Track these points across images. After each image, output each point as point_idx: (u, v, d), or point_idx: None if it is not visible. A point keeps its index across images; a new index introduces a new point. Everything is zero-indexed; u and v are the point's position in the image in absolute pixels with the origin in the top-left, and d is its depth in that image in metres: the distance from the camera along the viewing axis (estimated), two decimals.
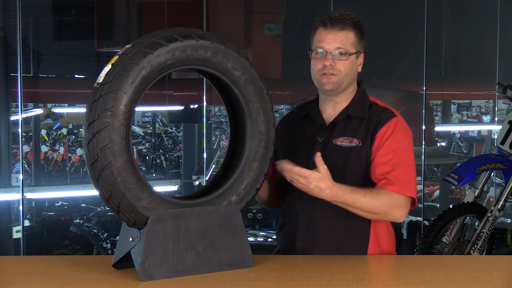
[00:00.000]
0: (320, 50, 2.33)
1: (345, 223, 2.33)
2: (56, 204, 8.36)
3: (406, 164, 2.32)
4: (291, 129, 2.48)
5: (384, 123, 2.33)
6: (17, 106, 6.06)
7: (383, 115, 2.36)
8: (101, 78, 1.90)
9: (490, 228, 3.96)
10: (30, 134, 8.77)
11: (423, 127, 6.57)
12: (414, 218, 7.04)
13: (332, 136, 2.36)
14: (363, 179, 2.33)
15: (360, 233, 2.35)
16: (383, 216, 2.30)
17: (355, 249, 2.33)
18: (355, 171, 2.32)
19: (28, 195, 6.32)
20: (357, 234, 2.35)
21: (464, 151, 10.24)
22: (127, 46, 1.95)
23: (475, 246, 3.93)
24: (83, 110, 2.06)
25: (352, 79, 2.38)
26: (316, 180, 2.17)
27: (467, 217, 4.18)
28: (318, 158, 2.18)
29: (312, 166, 2.22)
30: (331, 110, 2.42)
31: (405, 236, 7.02)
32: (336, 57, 2.31)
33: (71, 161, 10.98)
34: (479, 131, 10.51)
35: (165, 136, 12.40)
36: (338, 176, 2.26)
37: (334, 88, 2.35)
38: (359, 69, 2.40)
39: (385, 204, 2.26)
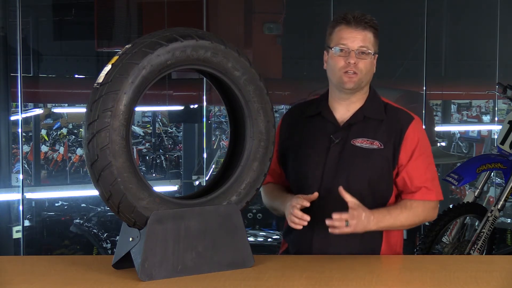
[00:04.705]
0: (343, 48, 2.32)
1: None
2: (56, 204, 8.35)
3: (434, 169, 2.42)
4: (299, 129, 2.44)
5: (406, 128, 2.37)
6: (17, 106, 6.06)
7: (402, 119, 2.39)
8: (101, 78, 1.90)
9: (490, 228, 3.95)
10: (30, 134, 8.77)
11: (423, 127, 6.56)
12: None
13: (349, 137, 2.35)
14: (384, 183, 2.35)
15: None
16: (419, 224, 2.40)
17: (371, 243, 2.35)
18: (377, 174, 2.33)
19: (28, 195, 6.31)
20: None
21: (464, 151, 10.21)
22: (127, 46, 1.95)
23: (475, 246, 3.92)
24: (83, 110, 2.06)
25: (369, 79, 2.39)
26: (364, 210, 2.21)
27: (467, 217, 4.17)
28: (343, 191, 2.21)
29: (328, 168, 2.26)
30: (344, 109, 2.40)
31: (405, 236, 6.99)
32: (359, 55, 2.31)
33: (71, 161, 10.97)
34: (479, 131, 10.49)
35: (165, 136, 12.38)
36: (360, 177, 2.30)
37: (355, 87, 2.34)
38: (374, 69, 2.41)
39: (421, 214, 2.36)
